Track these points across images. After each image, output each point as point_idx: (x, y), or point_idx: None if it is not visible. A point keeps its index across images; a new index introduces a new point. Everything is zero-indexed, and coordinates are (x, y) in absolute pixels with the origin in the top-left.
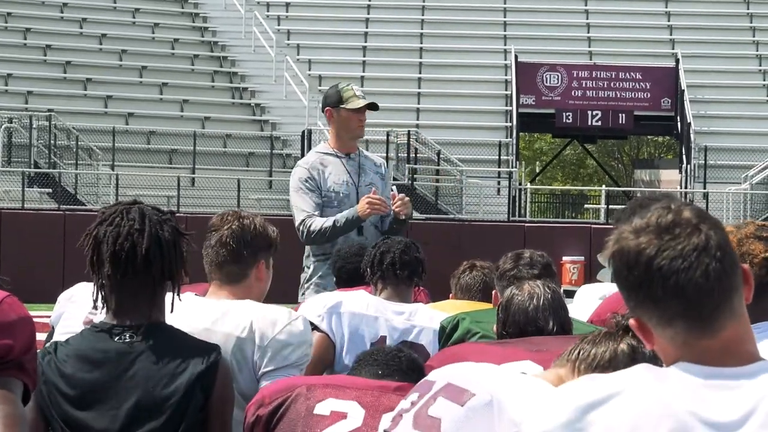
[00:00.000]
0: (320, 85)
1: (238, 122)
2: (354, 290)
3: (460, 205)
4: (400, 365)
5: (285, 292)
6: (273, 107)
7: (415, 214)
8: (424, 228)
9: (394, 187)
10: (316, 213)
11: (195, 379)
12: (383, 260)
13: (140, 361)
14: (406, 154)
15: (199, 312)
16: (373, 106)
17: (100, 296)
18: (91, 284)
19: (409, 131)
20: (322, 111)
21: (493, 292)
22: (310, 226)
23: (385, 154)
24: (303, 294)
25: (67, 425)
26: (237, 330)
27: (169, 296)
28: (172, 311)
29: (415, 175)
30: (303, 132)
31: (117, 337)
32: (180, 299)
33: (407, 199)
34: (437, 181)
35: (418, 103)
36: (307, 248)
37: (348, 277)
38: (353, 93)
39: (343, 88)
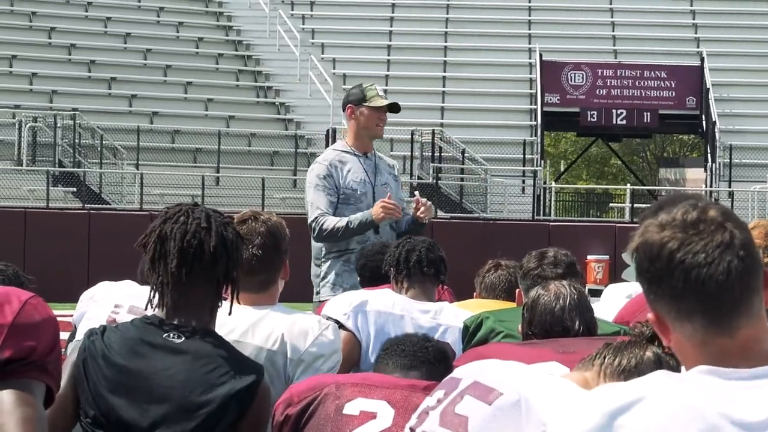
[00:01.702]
0: (344, 84)
1: (263, 121)
2: (379, 288)
3: (484, 204)
4: (427, 356)
5: (300, 292)
6: (297, 106)
7: (440, 213)
8: (448, 227)
9: (417, 192)
10: (330, 211)
11: (233, 394)
12: (409, 258)
13: (184, 363)
14: (430, 153)
15: (226, 323)
16: (394, 107)
17: (157, 295)
18: (112, 284)
19: (433, 130)
20: (343, 108)
21: (517, 291)
22: (322, 224)
23: (409, 153)
24: (318, 293)
25: (97, 406)
26: (268, 343)
27: (226, 303)
28: (230, 313)
29: (439, 174)
30: (327, 131)
31: (167, 334)
32: (239, 302)
33: (430, 204)
34: (462, 180)
35: (443, 102)
36: (319, 245)
37: (371, 275)
38: (376, 92)
39: (366, 87)
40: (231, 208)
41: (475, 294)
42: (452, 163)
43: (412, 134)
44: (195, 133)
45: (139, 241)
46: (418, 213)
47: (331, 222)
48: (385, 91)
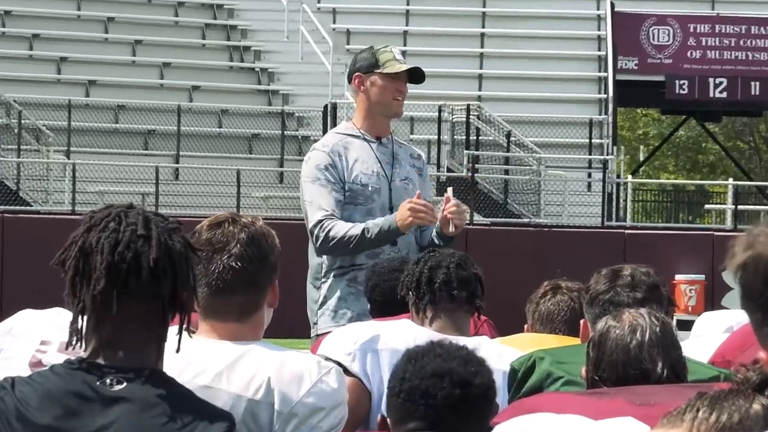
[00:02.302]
0: (348, 44)
1: (238, 93)
2: (395, 319)
3: (537, 205)
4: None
5: (294, 325)
6: (285, 73)
7: (476, 218)
8: (487, 236)
9: (449, 190)
10: (338, 213)
11: None
12: (434, 278)
13: (128, 415)
14: (464, 137)
15: (195, 362)
16: (417, 75)
17: (80, 324)
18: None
19: (468, 105)
20: (349, 79)
21: (582, 322)
22: (329, 231)
23: (435, 137)
24: (315, 323)
25: None
26: (249, 390)
27: (173, 332)
28: (178, 350)
29: (476, 165)
30: (325, 107)
31: (101, 380)
32: (190, 336)
33: (464, 207)
34: (506, 172)
35: (480, 68)
36: (318, 260)
37: (384, 300)
38: (393, 56)
39: (379, 49)
40: (195, 209)
41: (525, 326)
42: (494, 150)
43: (440, 111)
44: (146, 108)
45: (56, 257)
46: (446, 214)
47: (342, 228)
48: (404, 54)
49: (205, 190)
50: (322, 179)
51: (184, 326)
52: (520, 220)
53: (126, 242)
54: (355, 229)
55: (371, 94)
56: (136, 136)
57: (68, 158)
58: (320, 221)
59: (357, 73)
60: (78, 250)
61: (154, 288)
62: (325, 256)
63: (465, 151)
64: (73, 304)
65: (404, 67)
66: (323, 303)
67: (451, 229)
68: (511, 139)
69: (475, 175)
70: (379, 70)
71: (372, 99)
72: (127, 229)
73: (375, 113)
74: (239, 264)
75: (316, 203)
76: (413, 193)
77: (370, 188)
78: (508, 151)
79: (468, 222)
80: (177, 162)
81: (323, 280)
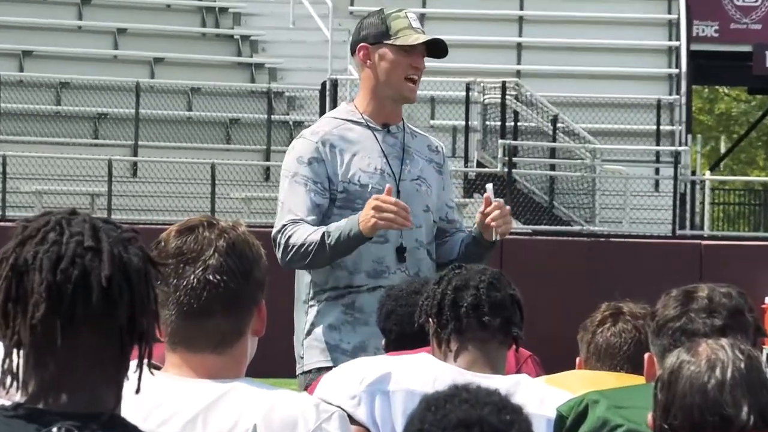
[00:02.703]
0: (352, 5)
1: (213, 67)
2: (412, 353)
3: (590, 209)
4: None
5: (282, 360)
6: (271, 41)
7: (516, 225)
8: (528, 248)
9: (489, 185)
10: (312, 218)
11: None
12: (459, 301)
13: None
14: (499, 122)
15: (163, 405)
16: (437, 47)
17: (15, 361)
18: None
19: (504, 83)
20: (352, 51)
21: (646, 356)
22: (289, 238)
23: (462, 122)
24: (302, 357)
25: None
26: None
27: (131, 367)
28: (138, 391)
29: (514, 158)
30: (323, 84)
31: (47, 429)
32: (152, 373)
33: (508, 208)
34: (552, 168)
35: (520, 35)
36: (306, 277)
37: (401, 330)
38: (408, 23)
39: (390, 14)
40: (157, 215)
41: (578, 360)
42: (536, 140)
43: (468, 90)
44: (95, 86)
45: None
46: (488, 221)
47: (303, 234)
48: (422, 20)
49: (171, 189)
50: (301, 176)
51: (145, 360)
52: (569, 227)
53: (70, 257)
54: (315, 233)
55: (379, 70)
56: (82, 121)
57: None
58: (283, 227)
59: (362, 44)
60: (9, 268)
61: (108, 313)
62: (313, 274)
63: (500, 141)
64: (5, 336)
65: (422, 39)
66: (310, 332)
67: (496, 237)
68: (558, 125)
69: (513, 171)
70: (390, 41)
71: (380, 77)
72: (71, 241)
73: (383, 95)
74: (217, 278)
75: (287, 205)
76: (428, 196)
77: (370, 189)
78: (554, 140)
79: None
80: (135, 154)
81: (311, 303)
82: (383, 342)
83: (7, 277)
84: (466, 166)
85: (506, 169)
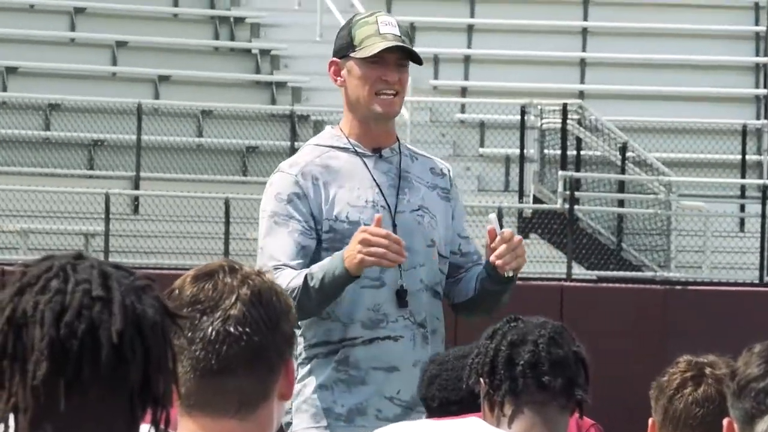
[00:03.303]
0: (389, 10)
1: (227, 86)
2: (461, 418)
3: (665, 252)
4: None
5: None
6: (295, 57)
7: (578, 270)
8: (593, 297)
9: (492, 215)
10: (298, 263)
11: None
12: (515, 358)
13: None
14: (559, 151)
15: None
16: (409, 55)
17: (11, 427)
18: None
19: (564, 105)
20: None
21: (725, 422)
22: None
23: (517, 150)
24: (289, 421)
25: None
26: None
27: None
28: None
29: (576, 192)
30: None
31: None
32: None
33: (519, 238)
34: (621, 204)
35: (583, 50)
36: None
37: (446, 397)
38: (376, 30)
39: (357, 21)
40: (163, 258)
41: (650, 422)
42: (602, 171)
43: (523, 113)
44: (91, 109)
45: None
46: (493, 258)
47: (283, 281)
48: (471, 33)
49: (178, 228)
50: (281, 215)
51: (161, 426)
52: (640, 273)
53: (76, 308)
54: (298, 278)
55: (349, 88)
56: (75, 148)
57: None
58: None
59: (332, 59)
60: (6, 321)
61: (118, 373)
62: (303, 328)
63: (560, 173)
64: (0, 399)
65: (382, 46)
66: (299, 393)
67: (508, 274)
68: (628, 154)
69: (575, 207)
70: (354, 53)
71: (351, 94)
72: (77, 290)
73: (360, 115)
74: (239, 330)
75: (268, 250)
76: (432, 228)
77: (362, 224)
78: (623, 172)
79: (564, 276)
80: (136, 188)
81: (300, 361)
82: (426, 413)
83: (3, 331)
84: (521, 202)
85: (567, 206)
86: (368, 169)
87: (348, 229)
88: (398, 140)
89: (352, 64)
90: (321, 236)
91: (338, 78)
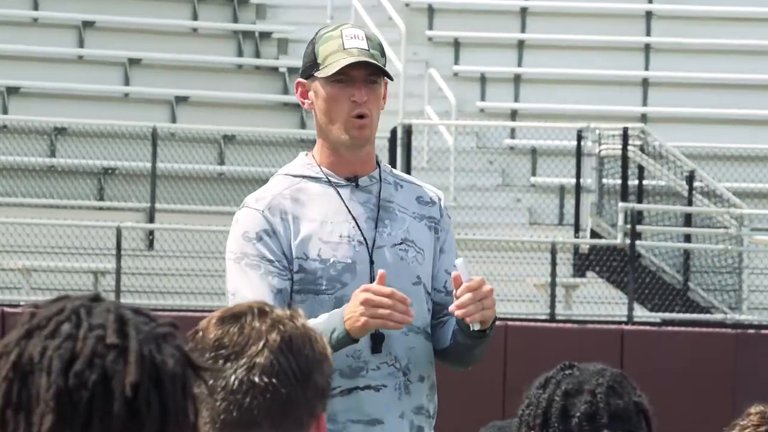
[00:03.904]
0: (431, 28)
1: (252, 108)
2: None
3: (736, 291)
4: None
5: None
6: None
7: (640, 312)
8: (657, 342)
9: (460, 260)
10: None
11: None
12: (570, 409)
13: None
14: (619, 180)
15: None
16: (375, 71)
17: None
18: None
19: (625, 129)
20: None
21: None
22: None
23: (573, 180)
24: None
25: None
26: None
27: None
28: None
29: (638, 226)
30: (393, 131)
31: None
32: None
33: (488, 288)
34: (687, 239)
35: (646, 68)
36: None
37: None
38: (340, 44)
39: (322, 36)
40: (180, 299)
41: None
42: (667, 202)
43: (579, 139)
44: (101, 133)
45: None
46: (452, 308)
47: None
48: (522, 50)
49: (197, 266)
50: (251, 256)
51: None
52: (708, 316)
53: (87, 356)
54: None
55: (318, 110)
56: (83, 177)
57: None
58: None
59: (298, 80)
60: (11, 367)
61: (131, 429)
62: None
63: (620, 204)
64: None
65: (347, 61)
66: None
67: (474, 327)
68: (695, 184)
69: (637, 242)
70: (317, 73)
71: (320, 118)
72: (89, 335)
73: (331, 141)
74: (265, 380)
75: (240, 296)
76: (417, 264)
77: (338, 266)
78: (690, 204)
79: (625, 319)
80: (151, 220)
81: None
82: None
83: (7, 378)
84: (577, 237)
85: (628, 241)
86: (343, 200)
87: (320, 268)
88: (379, 165)
89: (317, 85)
90: (292, 277)
91: (305, 101)
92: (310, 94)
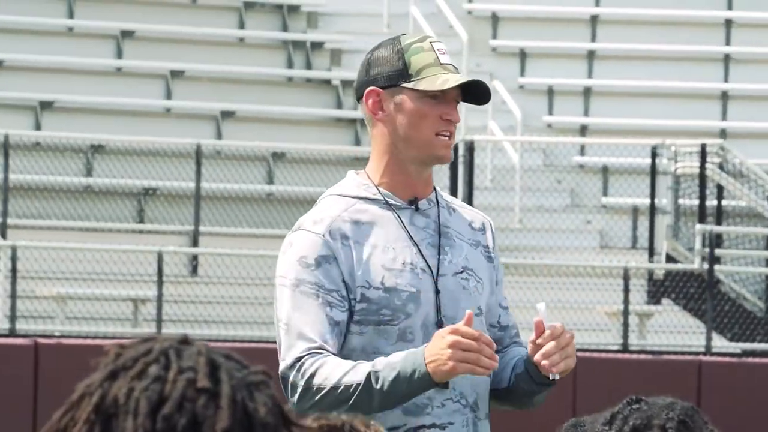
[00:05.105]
0: (495, 37)
1: (304, 124)
2: None
3: None
4: None
5: None
6: None
7: (719, 342)
8: (736, 373)
9: (542, 304)
10: (333, 342)
11: None
12: None
13: None
14: (697, 201)
15: None
16: (479, 89)
17: None
18: None
19: (703, 146)
20: (357, 97)
21: None
22: (312, 376)
23: (648, 200)
24: None
25: None
26: None
27: None
28: None
29: (717, 250)
30: (455, 148)
31: None
32: None
33: (570, 335)
34: None
35: (725, 80)
36: None
37: None
38: (435, 58)
39: (410, 45)
40: (227, 329)
41: None
42: (747, 224)
43: (654, 156)
44: (140, 151)
45: (52, 422)
46: (537, 358)
47: (331, 371)
48: (592, 60)
49: (244, 293)
50: (308, 283)
51: None
52: None
53: (177, 399)
54: (354, 372)
55: (397, 124)
56: (122, 198)
57: (2, 238)
58: (298, 360)
59: (371, 87)
60: (93, 408)
61: None
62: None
63: (698, 226)
64: None
65: (455, 81)
66: None
67: (555, 377)
68: None
69: (716, 267)
70: (410, 84)
71: (400, 132)
72: (179, 378)
73: (404, 158)
74: None
75: (296, 327)
76: (478, 294)
77: (402, 295)
78: None
79: (703, 349)
80: (195, 244)
81: None
82: None
83: (89, 420)
84: (651, 261)
85: (706, 266)
86: (403, 224)
87: (384, 297)
88: (435, 189)
89: (404, 97)
90: (353, 307)
91: (380, 112)
92: (389, 105)
